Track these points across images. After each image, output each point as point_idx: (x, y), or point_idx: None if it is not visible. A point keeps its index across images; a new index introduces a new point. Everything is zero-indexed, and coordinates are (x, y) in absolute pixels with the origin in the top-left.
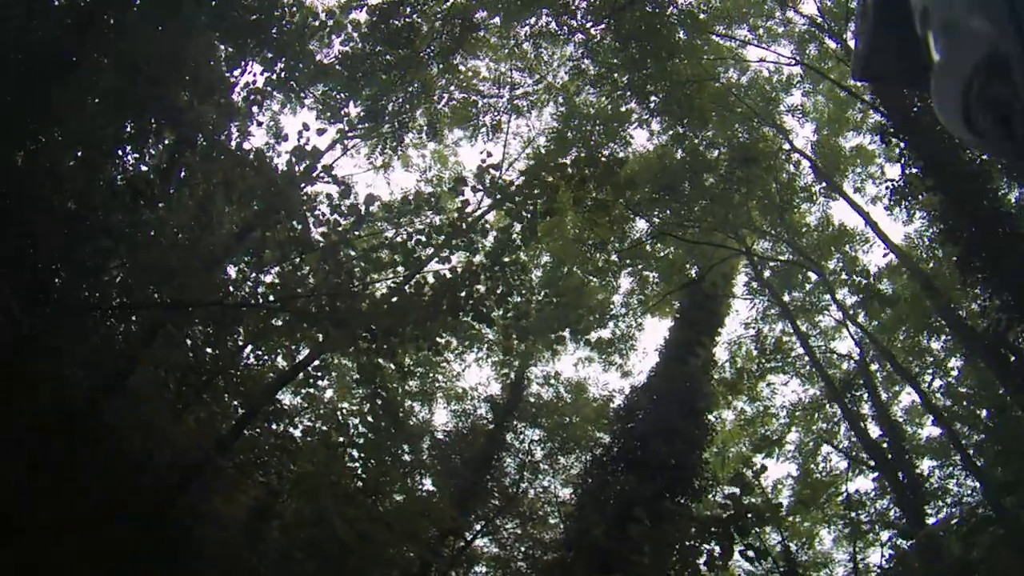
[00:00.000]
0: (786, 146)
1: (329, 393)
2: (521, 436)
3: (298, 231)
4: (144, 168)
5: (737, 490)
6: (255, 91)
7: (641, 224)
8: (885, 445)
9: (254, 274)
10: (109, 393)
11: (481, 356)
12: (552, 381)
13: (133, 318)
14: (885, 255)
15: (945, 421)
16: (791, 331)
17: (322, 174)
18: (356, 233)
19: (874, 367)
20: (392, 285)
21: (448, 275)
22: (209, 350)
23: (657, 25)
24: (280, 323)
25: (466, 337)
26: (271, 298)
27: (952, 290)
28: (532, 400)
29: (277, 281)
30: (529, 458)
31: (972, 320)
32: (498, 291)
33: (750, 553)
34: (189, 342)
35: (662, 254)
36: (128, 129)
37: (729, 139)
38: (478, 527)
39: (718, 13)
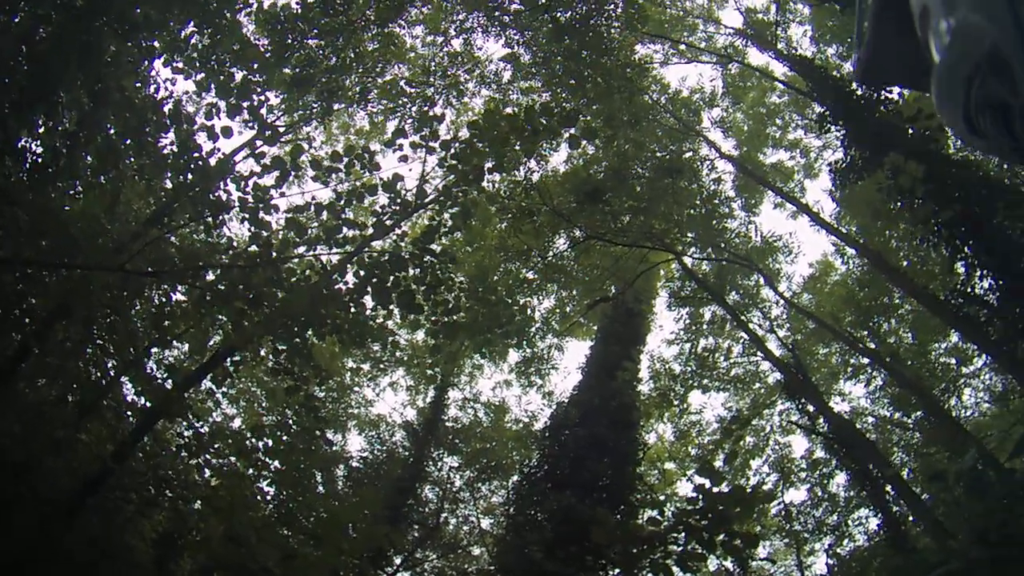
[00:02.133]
0: (712, 154)
1: (237, 423)
2: (440, 464)
3: (214, 194)
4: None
5: (706, 482)
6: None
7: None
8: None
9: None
10: None
11: (396, 381)
12: (471, 405)
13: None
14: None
15: (931, 398)
16: (711, 348)
17: (242, 108)
18: (280, 192)
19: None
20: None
21: (372, 258)
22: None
23: (591, 22)
24: (185, 301)
25: (381, 358)
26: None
27: (902, 266)
28: (450, 425)
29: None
30: (449, 485)
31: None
32: (427, 280)
33: (736, 542)
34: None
35: (585, 277)
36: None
37: (653, 152)
38: (398, 560)
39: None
